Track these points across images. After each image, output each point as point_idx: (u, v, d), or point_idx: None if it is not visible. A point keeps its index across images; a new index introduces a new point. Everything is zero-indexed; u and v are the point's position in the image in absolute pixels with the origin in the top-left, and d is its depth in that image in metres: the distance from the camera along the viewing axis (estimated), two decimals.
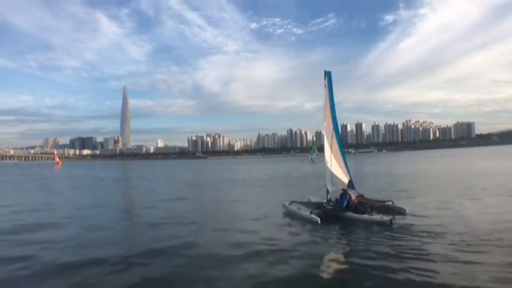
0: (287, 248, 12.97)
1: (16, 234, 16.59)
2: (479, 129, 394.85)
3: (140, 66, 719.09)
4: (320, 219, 16.68)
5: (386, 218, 16.00)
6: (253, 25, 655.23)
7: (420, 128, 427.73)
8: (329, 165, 20.09)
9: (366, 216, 16.92)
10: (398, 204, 18.91)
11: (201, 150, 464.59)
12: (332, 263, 11.86)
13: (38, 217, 21.46)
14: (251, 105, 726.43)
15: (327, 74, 19.91)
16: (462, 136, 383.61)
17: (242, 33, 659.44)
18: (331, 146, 20.13)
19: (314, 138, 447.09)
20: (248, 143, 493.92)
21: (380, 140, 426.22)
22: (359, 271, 10.39)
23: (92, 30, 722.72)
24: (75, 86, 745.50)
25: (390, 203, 18.90)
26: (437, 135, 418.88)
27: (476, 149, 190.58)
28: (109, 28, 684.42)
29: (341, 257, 12.35)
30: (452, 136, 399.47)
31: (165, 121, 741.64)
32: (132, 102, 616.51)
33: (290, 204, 19.83)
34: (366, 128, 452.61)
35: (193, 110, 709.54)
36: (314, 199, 21.11)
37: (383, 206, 18.35)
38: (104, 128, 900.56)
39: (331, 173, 19.92)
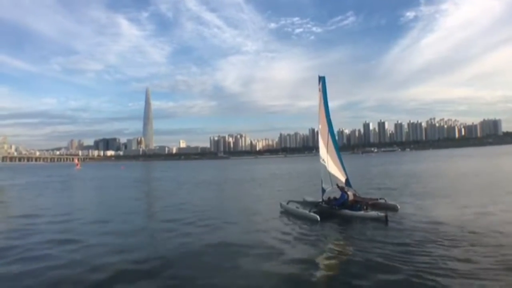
0: (287, 245, 13.57)
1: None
2: (506, 127, 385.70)
3: (161, 68, 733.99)
4: (319, 217, 17.32)
5: (381, 214, 16.77)
6: (272, 25, 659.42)
7: (445, 126, 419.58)
8: (325, 165, 20.84)
9: (362, 212, 17.65)
10: (390, 201, 19.86)
11: (223, 151, 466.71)
12: (332, 258, 12.33)
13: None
14: (272, 105, 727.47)
15: (321, 79, 20.99)
16: (489, 134, 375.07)
17: (261, 33, 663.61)
18: (327, 147, 20.96)
19: (337, 137, 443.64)
20: (270, 143, 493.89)
21: (404, 139, 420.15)
22: (358, 266, 10.84)
23: (114, 34, 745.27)
24: (98, 89, 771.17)
25: (383, 200, 19.79)
26: (463, 133, 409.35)
27: (504, 147, 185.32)
28: (130, 31, 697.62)
29: (341, 252, 12.92)
30: (478, 134, 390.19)
31: (187, 121, 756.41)
32: (154, 104, 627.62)
33: (287, 203, 20.64)
34: (389, 127, 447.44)
35: (214, 111, 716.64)
36: (309, 198, 21.92)
37: (376, 204, 19.23)
38: (127, 129, 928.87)
39: (329, 173, 20.68)
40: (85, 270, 11.25)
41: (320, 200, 20.08)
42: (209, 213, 21.33)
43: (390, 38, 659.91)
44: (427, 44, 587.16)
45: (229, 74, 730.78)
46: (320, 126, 21.34)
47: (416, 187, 30.50)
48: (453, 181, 35.90)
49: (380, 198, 20.18)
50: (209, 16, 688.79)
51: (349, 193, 19.12)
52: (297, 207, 19.88)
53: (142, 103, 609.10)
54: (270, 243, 13.92)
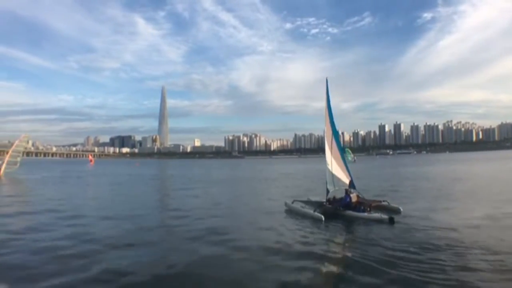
0: (291, 243, 14.01)
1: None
2: None
3: (177, 66, 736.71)
4: (325, 218, 17.69)
5: (384, 216, 17.10)
6: (288, 25, 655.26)
7: (462, 129, 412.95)
8: (330, 167, 21.20)
9: (365, 214, 18.00)
10: (393, 204, 20.13)
11: (238, 150, 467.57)
12: (334, 257, 12.65)
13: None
14: (287, 105, 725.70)
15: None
16: (506, 138, 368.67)
17: (277, 33, 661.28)
18: (331, 149, 21.32)
19: (352, 139, 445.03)
20: (285, 143, 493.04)
21: (420, 141, 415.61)
22: (360, 265, 11.22)
23: (131, 33, 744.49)
24: (114, 87, 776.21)
25: (386, 203, 20.14)
26: (480, 136, 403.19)
27: None
28: (146, 30, 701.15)
29: (342, 252, 13.35)
30: (496, 138, 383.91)
31: (202, 120, 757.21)
32: (170, 102, 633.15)
33: (292, 202, 21.07)
34: (405, 129, 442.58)
35: (229, 110, 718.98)
36: (314, 198, 22.11)
37: (379, 206, 19.52)
38: (142, 127, 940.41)
39: (333, 175, 21.06)
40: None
41: (325, 200, 20.38)
42: (216, 211, 22.08)
43: (407, 39, 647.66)
44: (444, 46, 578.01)
45: (245, 74, 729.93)
46: (325, 129, 21.71)
47: (425, 190, 30.66)
48: (465, 184, 35.72)
49: (384, 201, 20.52)
50: (225, 16, 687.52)
51: (352, 195, 19.41)
52: (302, 207, 20.23)
53: (158, 101, 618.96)
54: (272, 241, 14.39)
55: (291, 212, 20.43)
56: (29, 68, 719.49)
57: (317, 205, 19.70)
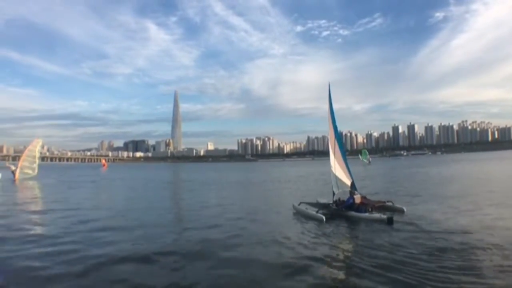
0: (291, 242, 14.48)
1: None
2: None
3: (189, 71, 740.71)
4: (325, 218, 18.20)
5: (384, 216, 17.41)
6: (299, 28, 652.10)
7: (478, 129, 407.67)
8: (333, 170, 21.74)
9: (366, 214, 18.31)
10: (397, 204, 20.29)
11: (251, 153, 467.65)
12: (333, 256, 12.79)
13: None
14: (299, 108, 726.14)
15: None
16: None
17: (288, 36, 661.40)
18: (334, 152, 21.88)
19: (365, 140, 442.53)
20: (298, 145, 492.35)
21: (434, 142, 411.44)
22: (356, 265, 11.33)
23: (143, 38, 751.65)
24: (127, 92, 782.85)
25: (390, 203, 20.41)
26: (496, 136, 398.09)
27: None
28: (158, 36, 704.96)
29: (338, 251, 13.49)
30: None
31: (215, 124, 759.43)
32: (182, 106, 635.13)
33: (299, 204, 21.41)
34: (419, 130, 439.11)
35: (242, 113, 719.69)
36: (322, 200, 22.47)
37: (383, 206, 19.93)
38: (155, 132, 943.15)
39: (336, 177, 21.61)
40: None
41: (331, 202, 20.76)
42: (225, 213, 22.54)
43: (419, 39, 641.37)
44: (457, 45, 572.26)
45: (257, 77, 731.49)
46: (329, 132, 22.22)
47: (434, 191, 30.45)
48: (477, 184, 35.23)
49: (388, 201, 20.79)
50: (236, 20, 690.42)
51: (356, 196, 19.66)
52: (306, 208, 20.61)
53: (170, 105, 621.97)
54: (272, 240, 14.97)
55: (298, 213, 20.85)
56: (44, 74, 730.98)
57: (322, 207, 20.25)
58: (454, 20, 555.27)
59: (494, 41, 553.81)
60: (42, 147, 72.42)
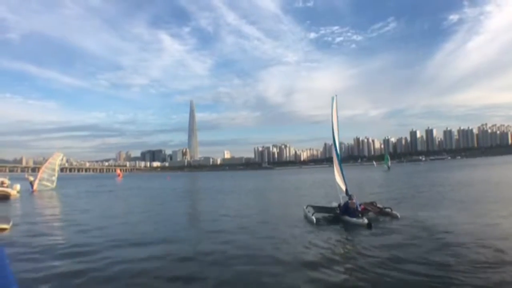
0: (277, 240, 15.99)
1: None
2: None
3: (204, 80, 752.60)
4: (317, 220, 19.75)
5: (365, 221, 18.27)
6: (312, 35, 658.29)
7: (498, 132, 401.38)
8: (336, 176, 23.39)
9: (354, 219, 19.17)
10: (395, 211, 20.73)
11: (268, 161, 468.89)
12: (289, 257, 13.23)
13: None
14: (315, 115, 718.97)
15: (332, 99, 23.24)
16: None
17: (301, 43, 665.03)
18: (335, 160, 23.31)
19: (383, 146, 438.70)
20: (315, 152, 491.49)
21: (454, 146, 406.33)
22: (321, 266, 11.86)
23: (157, 49, 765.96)
24: (144, 102, 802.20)
25: (389, 209, 21.07)
26: None
27: None
28: (172, 46, 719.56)
29: (301, 253, 13.80)
30: None
31: (231, 132, 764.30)
32: (198, 115, 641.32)
33: (306, 207, 22.47)
34: (438, 134, 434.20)
35: (257, 121, 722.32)
36: (335, 204, 23.04)
37: (382, 212, 20.97)
38: (171, 141, 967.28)
39: (336, 183, 23.31)
40: None
41: (337, 206, 21.83)
42: (237, 219, 23.17)
43: (434, 42, 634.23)
44: (473, 48, 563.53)
45: (271, 85, 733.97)
46: (334, 141, 23.48)
47: (441, 197, 30.26)
48: (487, 190, 34.20)
49: (386, 208, 21.41)
50: (248, 29, 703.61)
51: (352, 201, 20.39)
52: (308, 211, 21.53)
53: (186, 115, 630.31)
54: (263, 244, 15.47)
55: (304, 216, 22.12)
56: (62, 87, 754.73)
57: (329, 210, 21.86)
58: (469, 22, 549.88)
59: (509, 43, 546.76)
60: (62, 159, 73.30)
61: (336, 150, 23.18)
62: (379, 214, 20.73)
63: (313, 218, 19.96)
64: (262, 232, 18.07)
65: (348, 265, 11.99)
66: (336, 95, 23.02)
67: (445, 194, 32.16)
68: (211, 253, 13.93)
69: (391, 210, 20.97)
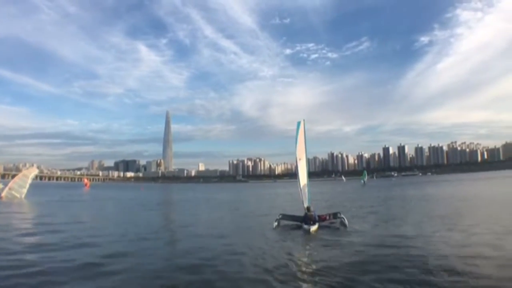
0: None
1: None
2: None
3: (180, 92, 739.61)
4: (276, 226, 23.74)
5: (307, 228, 21.97)
6: (288, 51, 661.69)
7: (467, 150, 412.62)
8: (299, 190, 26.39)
9: (306, 226, 22.46)
10: (346, 221, 23.87)
11: (242, 174, 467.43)
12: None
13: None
14: (290, 129, 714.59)
15: (298, 124, 26.90)
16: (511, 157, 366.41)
17: (277, 59, 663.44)
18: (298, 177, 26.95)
19: (356, 162, 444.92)
20: (289, 167, 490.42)
21: (425, 163, 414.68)
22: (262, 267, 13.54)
23: (134, 59, 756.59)
24: (118, 112, 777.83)
25: (342, 218, 24.17)
26: (485, 156, 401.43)
27: None
28: (149, 57, 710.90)
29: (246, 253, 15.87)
30: (501, 157, 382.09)
31: (206, 145, 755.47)
32: (173, 127, 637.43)
33: (279, 216, 25.31)
34: (409, 151, 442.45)
35: (232, 135, 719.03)
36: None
37: (330, 220, 24.64)
38: (146, 152, 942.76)
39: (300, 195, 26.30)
40: None
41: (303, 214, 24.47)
42: (201, 228, 25.32)
43: (406, 62, 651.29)
44: (443, 68, 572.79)
45: (247, 99, 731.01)
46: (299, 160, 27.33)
47: (395, 211, 33.41)
48: (448, 205, 36.33)
49: (339, 216, 24.50)
50: (225, 43, 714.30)
51: (309, 213, 23.62)
52: (277, 219, 24.77)
53: (161, 126, 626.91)
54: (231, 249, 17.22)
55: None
56: (35, 93, 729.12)
57: (296, 219, 24.53)
58: (439, 44, 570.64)
59: (479, 64, 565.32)
60: (32, 165, 72.12)
61: (297, 171, 27.01)
62: (333, 219, 24.52)
63: (274, 224, 23.92)
64: (223, 241, 19.52)
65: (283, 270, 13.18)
66: (304, 119, 26.24)
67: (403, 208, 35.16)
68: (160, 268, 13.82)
69: (344, 219, 23.90)
